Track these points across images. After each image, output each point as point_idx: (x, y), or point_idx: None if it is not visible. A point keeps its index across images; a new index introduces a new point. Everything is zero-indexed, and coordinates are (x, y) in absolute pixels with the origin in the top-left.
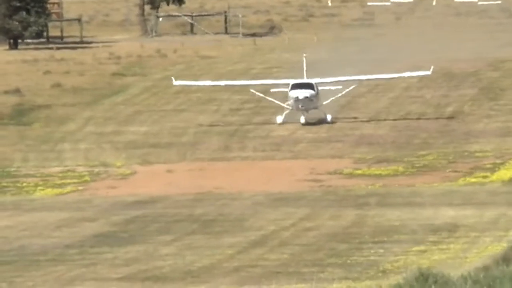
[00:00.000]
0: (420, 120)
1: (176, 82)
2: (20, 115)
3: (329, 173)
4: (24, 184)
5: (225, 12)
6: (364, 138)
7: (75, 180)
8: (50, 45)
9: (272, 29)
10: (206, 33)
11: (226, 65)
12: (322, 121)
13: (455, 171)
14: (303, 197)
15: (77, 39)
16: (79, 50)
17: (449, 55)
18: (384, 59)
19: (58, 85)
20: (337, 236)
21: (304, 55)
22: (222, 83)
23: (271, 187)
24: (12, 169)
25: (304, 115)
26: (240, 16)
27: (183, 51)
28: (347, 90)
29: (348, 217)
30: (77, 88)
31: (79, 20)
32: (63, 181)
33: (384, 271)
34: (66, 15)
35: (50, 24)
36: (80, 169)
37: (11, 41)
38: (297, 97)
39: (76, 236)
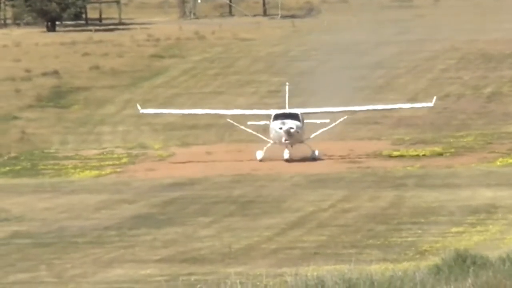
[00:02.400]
0: (458, 101)
1: (142, 111)
2: (59, 97)
3: (368, 155)
4: (63, 167)
5: None
6: (403, 119)
7: (114, 162)
8: (89, 27)
9: (310, 11)
10: (245, 15)
11: (264, 47)
12: (310, 158)
13: (493, 152)
14: (341, 178)
15: (116, 21)
16: (118, 32)
17: (487, 36)
18: (423, 40)
19: (96, 67)
20: (375, 218)
21: (287, 83)
22: (192, 111)
23: (309, 168)
24: (51, 151)
25: (288, 149)
26: None
27: (221, 33)
28: (337, 122)
29: (386, 198)
30: (116, 70)
31: (117, 1)
32: (101, 163)
33: (422, 253)
34: None
35: (88, 6)
36: (119, 151)
37: (49, 23)
38: (280, 129)
39: (115, 218)
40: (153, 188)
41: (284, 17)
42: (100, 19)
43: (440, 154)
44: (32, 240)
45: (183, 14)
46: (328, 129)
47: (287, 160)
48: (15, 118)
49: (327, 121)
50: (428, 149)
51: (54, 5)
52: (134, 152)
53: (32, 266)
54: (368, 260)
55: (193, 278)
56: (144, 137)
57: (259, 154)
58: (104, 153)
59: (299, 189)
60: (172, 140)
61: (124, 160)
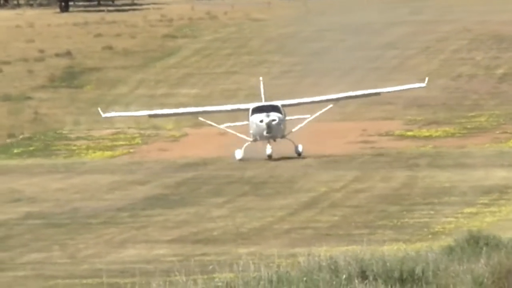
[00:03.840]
0: (470, 82)
1: (104, 115)
2: (71, 78)
3: (380, 135)
4: (76, 147)
5: None
6: (415, 100)
7: (126, 143)
8: (101, 8)
9: None
10: None
11: (276, 28)
12: (295, 153)
13: (506, 133)
14: (354, 159)
15: (128, 1)
16: (130, 13)
17: (499, 17)
18: (435, 21)
19: (109, 47)
20: (387, 198)
21: (261, 78)
22: (157, 112)
23: (322, 149)
24: (64, 132)
25: (270, 144)
26: None
27: (234, 14)
28: (322, 110)
29: (399, 178)
30: (128, 51)
31: None
32: (114, 143)
33: (434, 233)
34: None
35: None
36: (131, 131)
37: (62, 3)
38: (261, 121)
39: (128, 198)
40: (166, 169)
41: None
42: (112, 0)
43: (453, 135)
44: (45, 221)
45: None
46: (313, 118)
47: (269, 157)
48: (28, 98)
49: (308, 116)
50: (440, 130)
51: None
52: (147, 132)
53: (45, 246)
54: (381, 240)
55: (206, 258)
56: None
57: (238, 154)
58: (117, 133)
59: (312, 170)
60: (184, 121)
61: (136, 140)
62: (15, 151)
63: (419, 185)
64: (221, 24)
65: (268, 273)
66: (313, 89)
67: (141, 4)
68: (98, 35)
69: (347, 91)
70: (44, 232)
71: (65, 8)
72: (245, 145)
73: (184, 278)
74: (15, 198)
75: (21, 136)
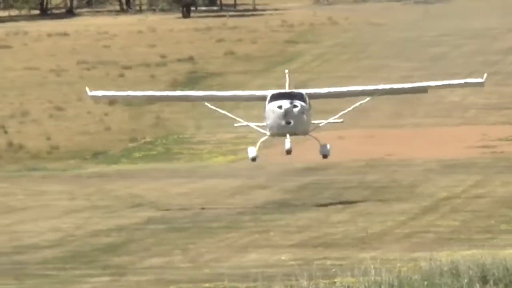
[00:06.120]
0: None
1: (91, 93)
2: (193, 82)
3: (500, 139)
4: (198, 151)
5: None
6: None
7: (248, 147)
8: (223, 13)
9: None
10: (378, 1)
11: (395, 32)
12: (321, 153)
13: None
14: (474, 163)
15: (250, 7)
16: (252, 18)
17: None
18: None
19: (230, 52)
20: (508, 203)
21: (286, 71)
22: (147, 93)
23: (442, 153)
24: (186, 136)
25: (289, 136)
26: None
27: (354, 19)
28: (357, 104)
29: None
30: (250, 56)
31: None
32: (236, 147)
33: None
34: None
35: None
36: (253, 135)
37: (184, 9)
38: (279, 107)
39: (249, 203)
40: (286, 173)
41: (417, 2)
42: (234, 5)
43: None
44: (167, 225)
45: (317, 0)
46: (347, 112)
47: (288, 152)
48: (150, 103)
49: (341, 121)
50: None
51: None
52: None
53: (167, 251)
54: (502, 245)
55: (327, 263)
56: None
57: (251, 151)
58: (239, 137)
59: (432, 175)
60: None
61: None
62: (137, 155)
63: None
64: (342, 29)
65: (389, 278)
66: (434, 94)
67: (262, 10)
68: (220, 40)
69: (467, 96)
70: (166, 236)
71: (186, 14)
72: (260, 141)
73: (305, 283)
74: (137, 203)
75: (143, 141)
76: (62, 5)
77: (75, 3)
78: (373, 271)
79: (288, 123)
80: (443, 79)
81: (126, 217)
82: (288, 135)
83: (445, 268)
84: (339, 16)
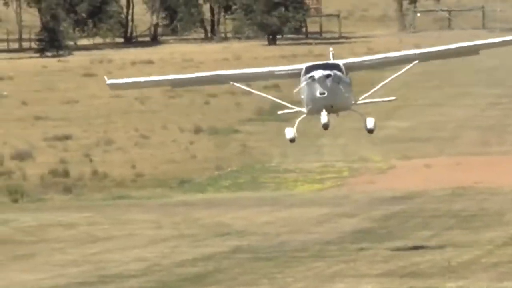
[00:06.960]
0: None
1: (109, 81)
2: (279, 110)
3: None
4: (284, 180)
5: (483, 6)
6: None
7: (334, 175)
8: (309, 41)
9: None
10: (463, 28)
11: (482, 59)
12: (365, 129)
13: None
14: None
15: (336, 35)
16: (338, 45)
17: None
18: None
19: None
20: None
21: (330, 49)
22: (168, 77)
23: None
24: (272, 165)
25: (325, 111)
26: (498, 10)
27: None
28: (405, 69)
29: None
30: None
31: (337, 15)
32: (322, 176)
33: None
34: (325, 11)
35: (308, 20)
36: (339, 164)
37: (270, 36)
38: (311, 77)
39: (336, 231)
40: (373, 201)
41: (504, 30)
42: (320, 33)
43: None
44: (253, 255)
45: (403, 27)
46: (395, 77)
47: (325, 127)
48: (236, 131)
49: (394, 98)
50: None
51: (274, 19)
52: (355, 165)
53: (253, 279)
54: None
55: None
56: (363, 150)
57: (289, 132)
58: (325, 166)
59: None
60: (391, 153)
61: (344, 173)
62: (223, 183)
63: None
64: None
65: None
66: None
67: (348, 38)
68: None
69: None
70: (253, 265)
71: (272, 41)
72: (298, 120)
73: None
74: (224, 232)
75: (229, 169)
76: (146, 33)
77: (159, 30)
78: None
79: (322, 93)
80: None
81: (213, 245)
82: (324, 110)
83: None
84: (426, 43)
